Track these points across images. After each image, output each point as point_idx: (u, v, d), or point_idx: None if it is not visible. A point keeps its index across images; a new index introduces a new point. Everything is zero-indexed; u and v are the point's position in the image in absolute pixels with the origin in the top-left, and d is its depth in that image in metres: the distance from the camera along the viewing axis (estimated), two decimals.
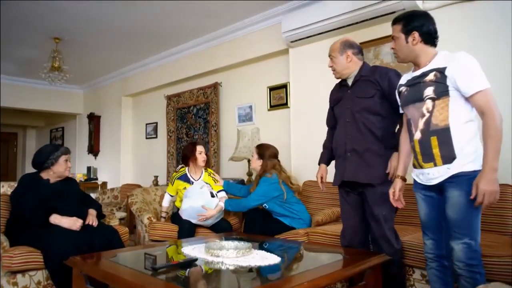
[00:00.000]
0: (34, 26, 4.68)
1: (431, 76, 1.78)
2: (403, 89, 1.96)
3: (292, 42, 4.03)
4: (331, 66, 2.42)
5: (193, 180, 3.52)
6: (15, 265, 2.35)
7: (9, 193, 2.89)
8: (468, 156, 1.73)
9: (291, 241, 2.75)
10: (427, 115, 1.79)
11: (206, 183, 3.47)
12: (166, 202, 3.63)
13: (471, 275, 1.73)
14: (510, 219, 2.53)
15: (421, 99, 1.81)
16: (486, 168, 1.66)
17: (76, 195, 2.92)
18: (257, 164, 3.33)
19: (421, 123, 1.82)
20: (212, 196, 3.32)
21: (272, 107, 4.57)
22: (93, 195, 5.51)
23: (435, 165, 1.78)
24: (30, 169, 3.00)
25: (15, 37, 4.99)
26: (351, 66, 2.36)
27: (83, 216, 2.73)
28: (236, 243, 2.17)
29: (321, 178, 2.59)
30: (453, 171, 1.74)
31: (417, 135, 1.84)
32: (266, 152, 3.31)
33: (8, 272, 2.37)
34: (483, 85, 1.69)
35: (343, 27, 3.60)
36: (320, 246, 2.60)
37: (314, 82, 3.94)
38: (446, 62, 1.75)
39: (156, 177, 5.80)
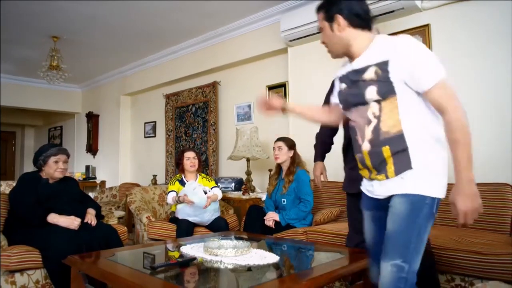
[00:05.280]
0: (33, 25, 4.67)
1: (371, 74, 1.41)
2: (342, 86, 1.59)
3: (290, 41, 4.03)
4: None
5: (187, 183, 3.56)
6: (13, 264, 2.34)
7: (7, 192, 2.89)
8: (424, 172, 1.38)
9: (290, 240, 2.75)
10: (375, 121, 1.43)
11: (200, 185, 3.51)
12: (170, 199, 3.48)
13: None
14: (509, 218, 2.54)
15: (364, 102, 1.45)
16: (460, 181, 1.29)
17: (75, 196, 2.90)
18: (287, 156, 3.24)
19: (368, 132, 1.45)
20: (205, 193, 3.40)
21: None
22: (91, 194, 5.52)
23: (387, 177, 1.43)
24: (28, 168, 3.00)
25: (13, 36, 4.98)
26: None
27: (82, 216, 2.72)
28: (234, 242, 2.17)
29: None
30: (403, 190, 1.39)
31: (366, 146, 1.47)
32: (291, 142, 3.28)
33: (6, 271, 2.36)
34: (436, 76, 1.33)
35: None
36: (319, 245, 2.60)
37: (313, 81, 3.94)
38: (387, 54, 1.39)
39: (154, 176, 5.80)
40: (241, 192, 4.10)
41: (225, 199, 4.00)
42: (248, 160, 4.19)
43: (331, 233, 2.74)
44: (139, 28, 4.81)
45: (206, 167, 5.28)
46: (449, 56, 3.06)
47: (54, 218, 2.57)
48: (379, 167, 1.44)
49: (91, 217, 2.77)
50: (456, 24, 3.07)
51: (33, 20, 4.53)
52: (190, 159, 3.62)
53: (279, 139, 3.32)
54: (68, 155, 2.91)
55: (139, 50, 5.73)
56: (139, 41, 5.31)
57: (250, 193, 4.04)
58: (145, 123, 6.67)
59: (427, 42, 3.17)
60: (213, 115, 5.27)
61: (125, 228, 3.08)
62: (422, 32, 3.21)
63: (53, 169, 2.78)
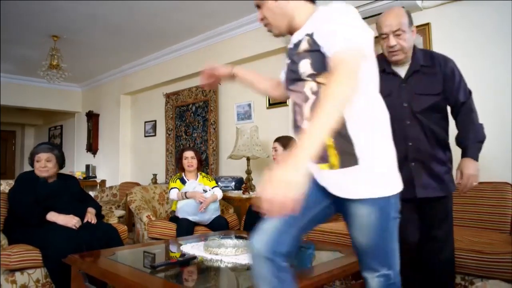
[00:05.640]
0: (33, 25, 4.67)
1: (304, 44, 1.26)
2: (287, 61, 1.42)
3: None
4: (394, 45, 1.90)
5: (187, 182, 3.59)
6: (13, 263, 2.34)
7: (7, 191, 2.89)
8: (377, 167, 1.21)
9: None
10: (312, 98, 1.25)
11: (200, 184, 3.53)
12: (174, 195, 3.49)
13: None
14: (509, 217, 2.54)
15: (300, 77, 1.28)
16: (292, 154, 1.00)
17: (74, 195, 2.90)
18: (283, 156, 3.19)
19: (307, 110, 1.27)
20: (205, 191, 3.43)
21: (271, 105, 4.56)
22: (91, 193, 5.51)
23: (331, 168, 1.23)
24: (28, 168, 2.99)
25: (13, 35, 4.97)
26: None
27: (82, 215, 2.72)
28: (235, 241, 2.18)
29: None
30: (360, 195, 1.21)
31: (305, 126, 1.26)
32: (289, 142, 3.20)
33: (6, 270, 2.36)
34: (343, 43, 1.11)
35: None
36: (319, 244, 2.60)
37: None
38: (314, 24, 1.26)
39: (155, 175, 5.80)
40: (241, 191, 4.10)
41: (225, 198, 4.00)
42: (248, 159, 4.19)
43: (331, 232, 2.74)
44: (139, 27, 4.80)
45: (206, 166, 5.27)
46: (449, 55, 3.04)
47: (53, 217, 2.58)
48: (320, 157, 1.21)
49: (91, 216, 2.77)
50: (456, 23, 3.07)
51: (33, 20, 4.52)
52: (187, 158, 3.63)
53: (275, 140, 3.31)
54: (54, 154, 2.83)
55: (139, 49, 5.72)
56: (139, 40, 5.30)
57: (250, 192, 4.04)
58: (145, 122, 6.67)
59: (427, 41, 3.16)
60: (213, 114, 5.27)
61: (125, 227, 3.08)
62: (423, 31, 3.21)
63: (36, 167, 2.78)
